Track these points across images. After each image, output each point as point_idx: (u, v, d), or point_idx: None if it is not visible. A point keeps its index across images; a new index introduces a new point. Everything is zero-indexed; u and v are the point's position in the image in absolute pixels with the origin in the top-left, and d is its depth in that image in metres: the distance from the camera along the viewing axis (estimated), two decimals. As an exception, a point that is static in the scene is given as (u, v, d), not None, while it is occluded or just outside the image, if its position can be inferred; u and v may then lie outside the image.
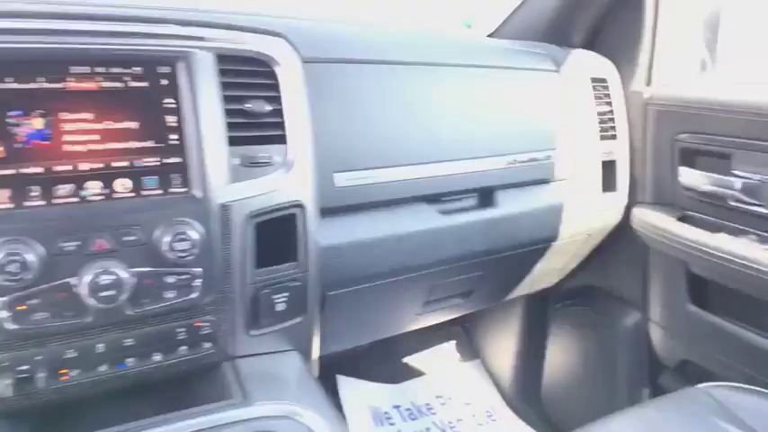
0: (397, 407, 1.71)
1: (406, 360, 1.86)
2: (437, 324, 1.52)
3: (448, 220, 1.11)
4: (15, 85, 0.68)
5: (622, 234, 1.40)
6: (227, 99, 0.80)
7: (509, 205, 1.19)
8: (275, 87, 0.85)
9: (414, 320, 1.35)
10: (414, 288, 1.20)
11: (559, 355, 1.68)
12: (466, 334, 1.98)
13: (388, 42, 1.10)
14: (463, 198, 1.17)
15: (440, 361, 1.90)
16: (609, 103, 1.33)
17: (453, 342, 1.96)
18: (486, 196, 1.19)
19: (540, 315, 1.72)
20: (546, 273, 1.46)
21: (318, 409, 0.76)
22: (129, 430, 0.69)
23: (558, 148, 1.24)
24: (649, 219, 1.30)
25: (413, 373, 1.84)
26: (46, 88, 0.70)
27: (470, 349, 1.96)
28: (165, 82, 0.76)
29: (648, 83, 1.36)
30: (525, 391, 1.77)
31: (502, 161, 1.16)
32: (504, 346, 1.83)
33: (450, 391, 1.81)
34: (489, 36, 1.49)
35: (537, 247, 1.30)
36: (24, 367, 0.70)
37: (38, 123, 0.69)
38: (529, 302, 1.73)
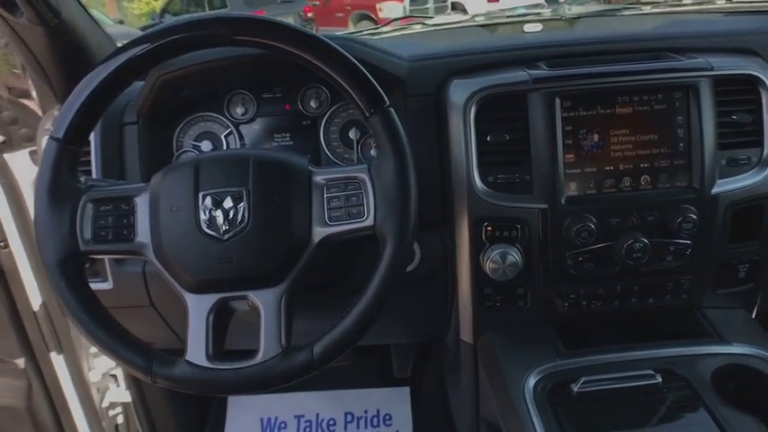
0: None
1: None
2: None
3: None
4: (584, 113, 1.03)
5: None
6: (718, 113, 1.04)
7: None
8: (755, 102, 1.06)
9: None
10: None
11: None
12: None
13: None
14: None
15: None
16: None
17: None
18: None
19: None
20: None
21: None
22: (636, 347, 1.02)
23: None
24: None
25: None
26: (601, 113, 1.03)
27: None
28: (677, 104, 1.03)
29: None
30: None
31: None
32: None
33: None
34: None
35: None
36: (573, 296, 1.09)
37: (595, 138, 1.04)
38: None
